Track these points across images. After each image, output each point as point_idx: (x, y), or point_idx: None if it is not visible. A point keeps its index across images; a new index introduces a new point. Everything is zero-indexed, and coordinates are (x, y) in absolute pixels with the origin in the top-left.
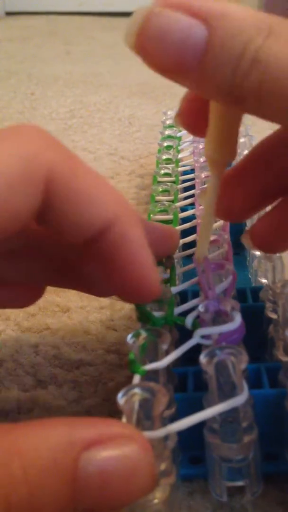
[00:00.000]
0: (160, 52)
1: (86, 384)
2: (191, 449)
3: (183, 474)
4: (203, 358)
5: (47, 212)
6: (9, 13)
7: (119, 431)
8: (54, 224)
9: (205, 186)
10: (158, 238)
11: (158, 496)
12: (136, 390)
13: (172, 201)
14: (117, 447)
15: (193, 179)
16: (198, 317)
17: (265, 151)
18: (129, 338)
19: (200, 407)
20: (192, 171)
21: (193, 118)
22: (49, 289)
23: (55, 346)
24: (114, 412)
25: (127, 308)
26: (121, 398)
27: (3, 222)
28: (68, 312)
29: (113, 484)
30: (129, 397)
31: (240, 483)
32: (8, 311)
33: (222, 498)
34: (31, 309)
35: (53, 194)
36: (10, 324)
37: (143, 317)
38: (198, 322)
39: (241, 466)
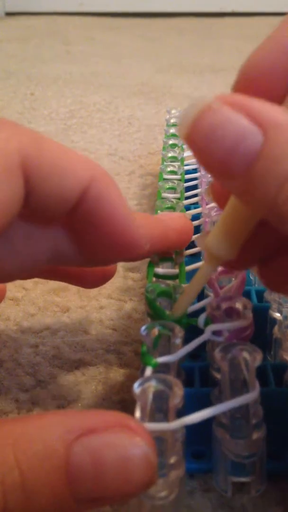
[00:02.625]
0: (208, 151)
1: (86, 384)
2: (193, 444)
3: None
4: (217, 353)
5: (28, 195)
6: (9, 13)
7: (116, 420)
8: (35, 205)
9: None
10: (174, 232)
11: (166, 488)
12: (153, 381)
13: (179, 199)
14: (112, 435)
15: (195, 178)
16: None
17: None
18: (143, 330)
19: (206, 403)
20: (194, 170)
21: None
22: (49, 289)
23: (54, 346)
24: None
25: (127, 308)
26: (137, 388)
27: None
28: (68, 312)
29: (108, 473)
30: (146, 388)
31: (245, 479)
32: (8, 311)
33: (227, 493)
34: (31, 309)
35: (30, 176)
36: (10, 324)
37: (155, 315)
38: (210, 319)
39: (248, 463)
